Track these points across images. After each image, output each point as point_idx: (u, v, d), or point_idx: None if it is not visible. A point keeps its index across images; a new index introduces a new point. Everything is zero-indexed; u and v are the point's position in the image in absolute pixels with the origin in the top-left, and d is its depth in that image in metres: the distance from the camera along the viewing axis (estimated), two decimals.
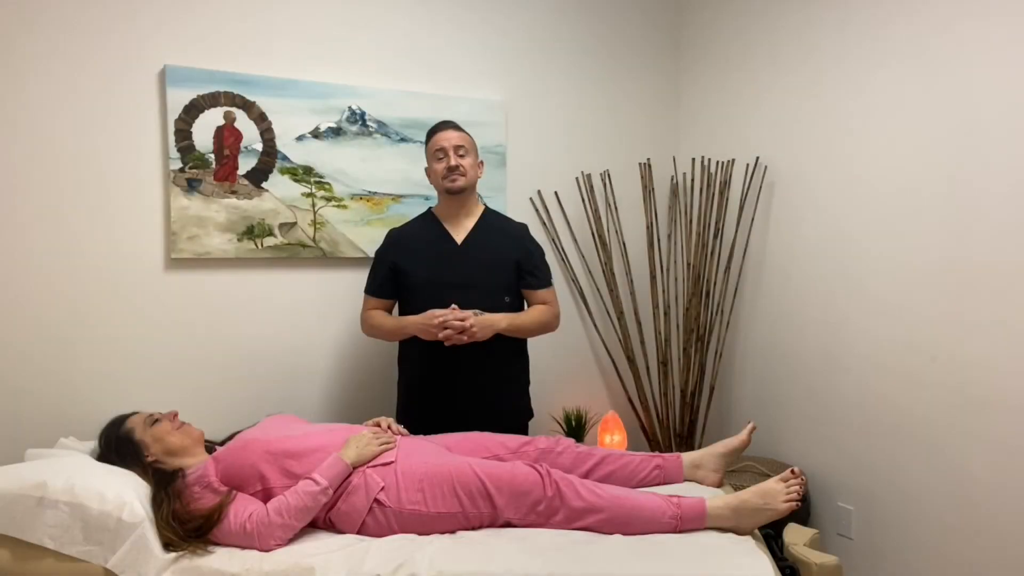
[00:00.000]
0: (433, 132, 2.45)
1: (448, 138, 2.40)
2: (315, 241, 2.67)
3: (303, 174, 2.65)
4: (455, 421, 2.33)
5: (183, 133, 2.46)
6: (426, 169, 2.49)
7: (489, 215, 2.53)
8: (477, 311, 2.31)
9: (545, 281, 2.52)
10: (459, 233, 2.46)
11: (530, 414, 2.58)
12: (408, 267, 2.43)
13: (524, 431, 2.52)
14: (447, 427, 2.29)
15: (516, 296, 2.49)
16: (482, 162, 2.51)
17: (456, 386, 2.39)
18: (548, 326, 2.50)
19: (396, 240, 2.50)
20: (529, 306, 2.52)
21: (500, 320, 2.35)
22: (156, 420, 2.06)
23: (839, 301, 2.72)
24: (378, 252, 2.53)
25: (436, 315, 2.28)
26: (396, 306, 2.53)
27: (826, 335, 2.77)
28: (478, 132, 2.62)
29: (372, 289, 2.50)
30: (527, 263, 2.48)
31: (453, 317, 2.27)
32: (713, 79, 3.24)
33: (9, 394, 2.30)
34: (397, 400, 2.54)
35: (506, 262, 2.45)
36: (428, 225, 2.50)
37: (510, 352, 2.47)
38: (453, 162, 2.38)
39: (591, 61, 3.20)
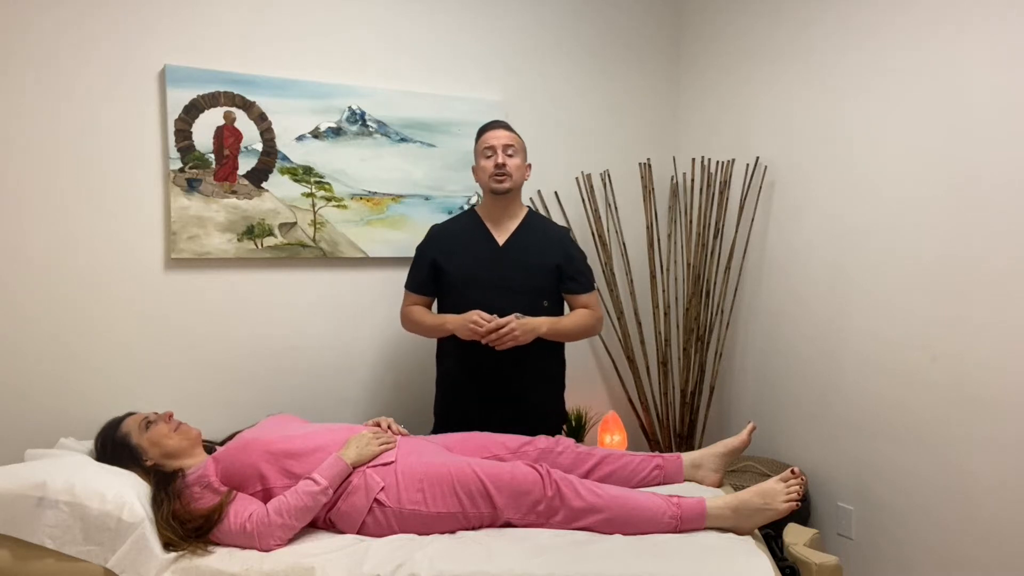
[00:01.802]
0: (484, 130, 2.44)
1: (498, 136, 2.39)
2: (315, 241, 2.67)
3: (303, 174, 2.65)
4: (493, 420, 2.34)
5: (183, 133, 2.46)
6: (473, 168, 2.49)
7: (532, 217, 2.51)
8: (519, 314, 2.30)
9: (587, 286, 2.49)
10: (502, 234, 2.45)
11: (565, 416, 2.57)
12: (448, 265, 2.41)
13: (559, 431, 2.52)
14: (484, 426, 2.30)
15: (556, 300, 2.47)
16: (529, 165, 2.49)
17: (493, 386, 2.39)
18: (590, 330, 2.47)
19: (438, 237, 2.48)
20: (571, 310, 2.51)
21: (542, 324, 2.33)
22: (151, 422, 2.05)
23: (839, 301, 2.72)
24: (420, 248, 2.51)
25: (476, 319, 2.26)
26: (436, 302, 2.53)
27: (826, 335, 2.77)
28: None
29: (414, 286, 2.49)
30: (569, 267, 2.46)
31: (495, 325, 2.25)
32: (713, 79, 3.24)
33: (9, 394, 2.30)
34: (435, 397, 2.53)
35: (547, 265, 2.43)
36: (471, 224, 2.48)
37: (548, 352, 2.46)
38: (501, 159, 2.36)
39: (591, 61, 3.20)
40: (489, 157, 2.38)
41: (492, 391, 2.39)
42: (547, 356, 2.46)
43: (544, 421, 2.45)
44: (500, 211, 2.45)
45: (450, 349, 2.44)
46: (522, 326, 2.28)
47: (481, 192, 2.50)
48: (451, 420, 2.43)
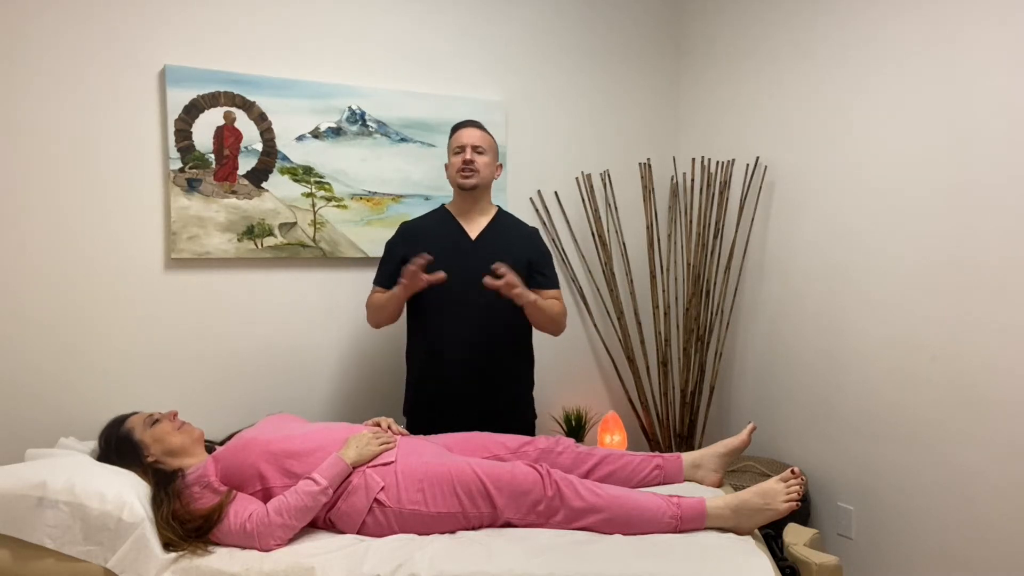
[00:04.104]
0: (457, 128, 2.48)
1: (469, 135, 2.43)
2: (315, 241, 2.67)
3: (303, 174, 2.65)
4: (462, 419, 2.34)
5: (183, 133, 2.46)
6: (446, 165, 2.52)
7: (503, 215, 2.55)
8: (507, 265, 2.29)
9: (555, 282, 2.53)
10: (473, 229, 2.47)
11: (534, 414, 2.58)
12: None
13: (531, 430, 2.53)
14: (454, 425, 2.29)
15: None
16: (500, 165, 2.53)
17: (462, 384, 2.39)
18: (558, 322, 2.49)
19: (409, 233, 2.50)
20: None
21: (531, 292, 2.34)
22: (156, 420, 2.06)
23: (839, 301, 2.72)
24: (389, 243, 2.52)
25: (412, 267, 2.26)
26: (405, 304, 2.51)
27: (826, 335, 2.77)
28: None
29: (382, 280, 2.47)
30: (539, 263, 2.49)
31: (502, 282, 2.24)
32: (713, 79, 3.24)
33: (9, 394, 2.30)
34: (404, 398, 2.54)
35: (519, 261, 2.44)
36: (442, 220, 2.50)
37: (517, 349, 2.48)
38: (468, 156, 2.40)
39: (591, 61, 3.20)
40: (458, 154, 2.42)
41: (460, 390, 2.40)
42: (515, 353, 2.48)
43: (514, 418, 2.45)
44: (470, 207, 2.48)
45: (417, 351, 2.47)
46: (518, 282, 2.28)
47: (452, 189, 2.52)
48: (419, 421, 2.42)
